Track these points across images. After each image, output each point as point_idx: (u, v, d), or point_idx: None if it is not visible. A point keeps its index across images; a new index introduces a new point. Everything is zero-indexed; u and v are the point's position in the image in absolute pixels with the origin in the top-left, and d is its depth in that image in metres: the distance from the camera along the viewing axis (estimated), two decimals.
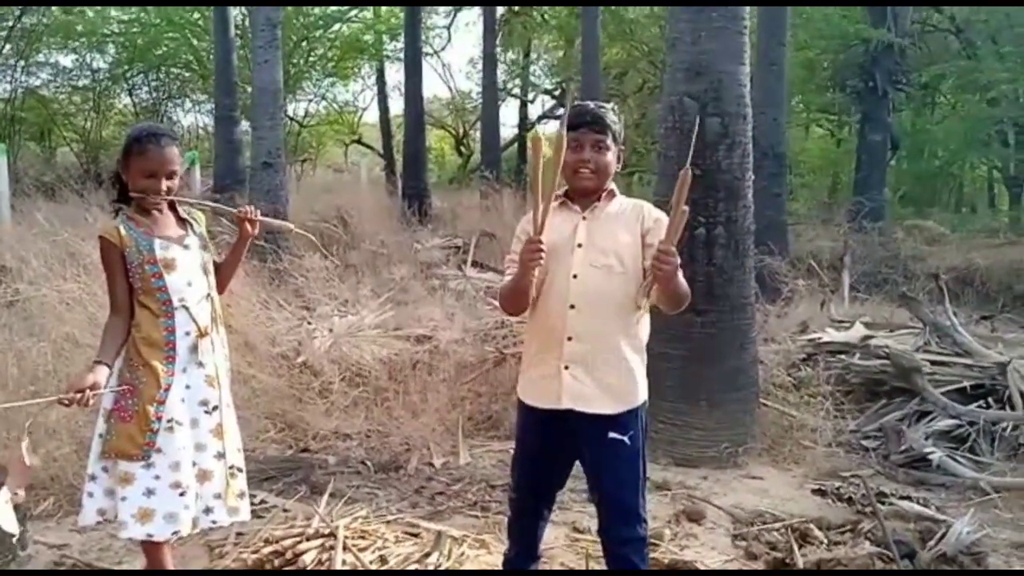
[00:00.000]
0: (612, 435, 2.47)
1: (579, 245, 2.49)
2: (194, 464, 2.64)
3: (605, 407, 2.47)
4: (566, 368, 2.47)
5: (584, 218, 2.53)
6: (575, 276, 2.47)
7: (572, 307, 2.46)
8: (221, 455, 2.71)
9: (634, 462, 2.52)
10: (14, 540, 3.00)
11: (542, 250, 2.34)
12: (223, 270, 2.89)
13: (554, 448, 2.59)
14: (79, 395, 2.42)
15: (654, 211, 2.57)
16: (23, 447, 2.43)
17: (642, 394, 2.55)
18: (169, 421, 2.58)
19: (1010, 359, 4.99)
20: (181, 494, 2.58)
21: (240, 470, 2.79)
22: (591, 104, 2.59)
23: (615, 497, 2.53)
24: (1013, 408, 4.73)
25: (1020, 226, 13.55)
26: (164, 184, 2.63)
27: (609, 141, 2.51)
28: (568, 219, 2.54)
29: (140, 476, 2.55)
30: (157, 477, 2.56)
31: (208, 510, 2.68)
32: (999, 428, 4.59)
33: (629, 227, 2.52)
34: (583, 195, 2.55)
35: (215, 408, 2.71)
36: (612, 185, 2.58)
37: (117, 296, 2.62)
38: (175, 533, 2.61)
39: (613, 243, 2.49)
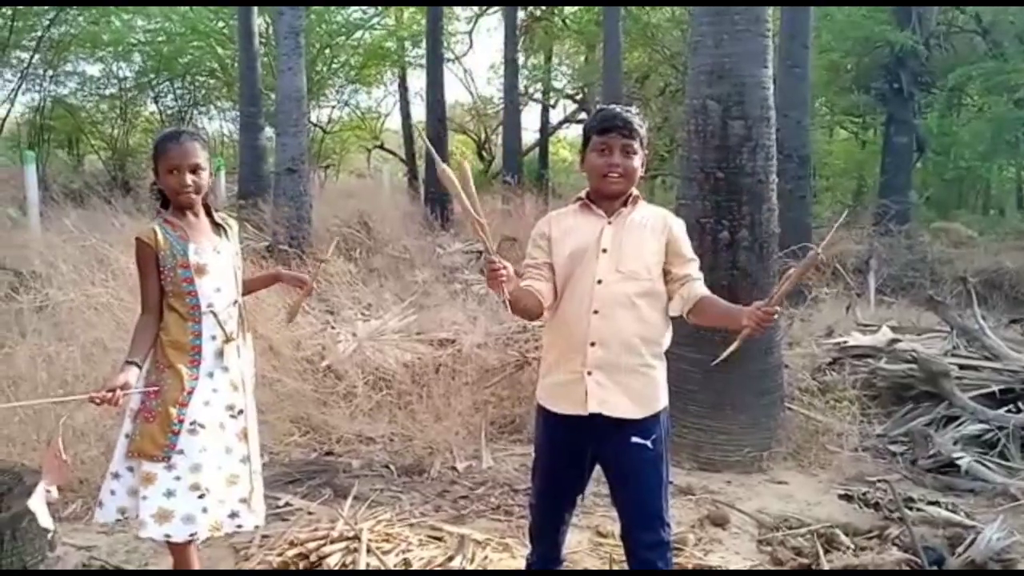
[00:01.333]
0: (635, 439, 2.47)
1: (604, 250, 2.49)
2: (219, 468, 2.67)
3: (629, 412, 2.47)
4: (590, 374, 2.47)
5: (609, 223, 2.52)
6: (599, 281, 2.47)
7: (596, 312, 2.46)
8: (247, 459, 2.75)
9: (657, 466, 2.52)
10: (49, 536, 3.05)
11: (501, 271, 2.26)
12: (250, 286, 2.95)
13: (575, 453, 2.58)
14: (110, 394, 2.46)
15: (676, 223, 2.58)
16: (59, 445, 2.47)
17: (664, 399, 2.55)
18: (192, 424, 2.62)
19: None
20: (200, 496, 2.61)
21: (258, 473, 2.83)
22: (619, 108, 2.58)
23: (638, 501, 2.53)
24: None
25: None
26: (188, 177, 2.66)
27: (636, 145, 2.51)
28: (593, 224, 2.53)
29: (161, 477, 2.60)
30: (178, 479, 2.60)
31: (234, 514, 2.70)
32: None
33: (655, 235, 2.52)
34: (610, 198, 2.54)
35: (240, 412, 2.75)
36: (636, 191, 2.58)
37: (149, 297, 2.67)
38: (192, 535, 2.64)
39: (639, 250, 2.49)
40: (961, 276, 9.14)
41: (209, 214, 2.79)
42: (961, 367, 5.10)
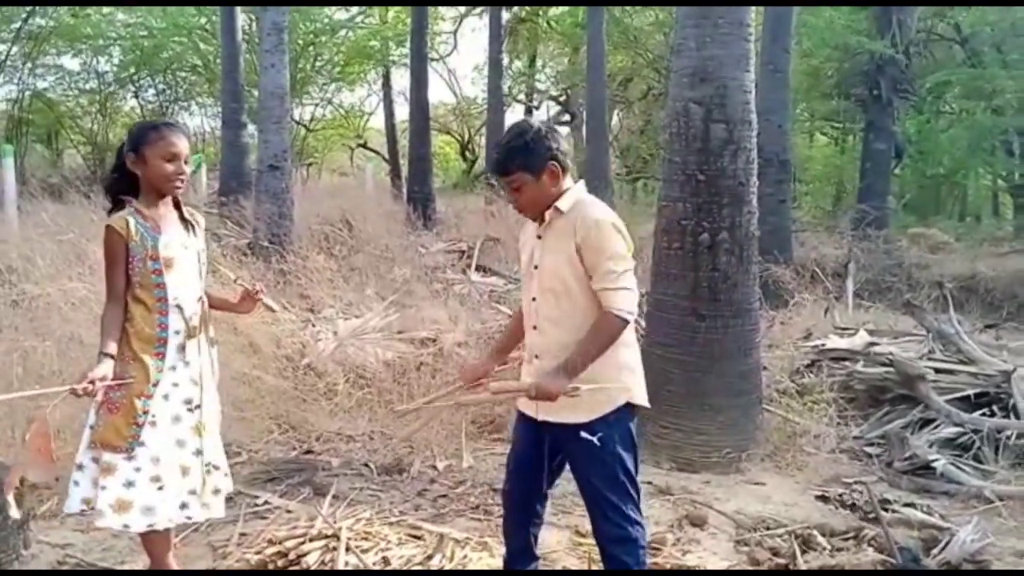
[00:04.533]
0: (583, 435, 2.54)
1: (535, 267, 2.61)
2: (171, 460, 2.69)
3: (574, 417, 2.54)
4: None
5: (539, 237, 2.61)
6: (534, 299, 2.61)
7: (535, 328, 2.60)
8: (199, 452, 2.76)
9: (609, 462, 2.55)
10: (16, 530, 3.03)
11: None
12: (211, 304, 2.91)
13: (537, 450, 2.68)
14: (89, 386, 2.47)
15: (587, 220, 2.49)
16: (47, 437, 2.48)
17: (614, 400, 2.56)
18: (153, 416, 2.64)
19: (1015, 367, 4.98)
20: (160, 488, 2.64)
21: (217, 467, 2.84)
22: (497, 150, 2.59)
23: (596, 496, 2.60)
24: (1018, 416, 4.72)
25: None
26: (183, 167, 2.69)
27: (521, 177, 2.51)
28: (531, 239, 2.65)
29: (121, 467, 2.61)
30: (138, 469, 2.62)
31: (184, 505, 2.73)
32: (1003, 436, 4.57)
33: (564, 246, 2.50)
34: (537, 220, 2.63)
35: (198, 407, 2.76)
36: (571, 196, 2.54)
37: (116, 286, 2.66)
38: (150, 525, 2.65)
39: (554, 264, 2.54)
40: (938, 281, 9.29)
41: (179, 208, 2.79)
42: (937, 371, 5.15)
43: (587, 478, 2.61)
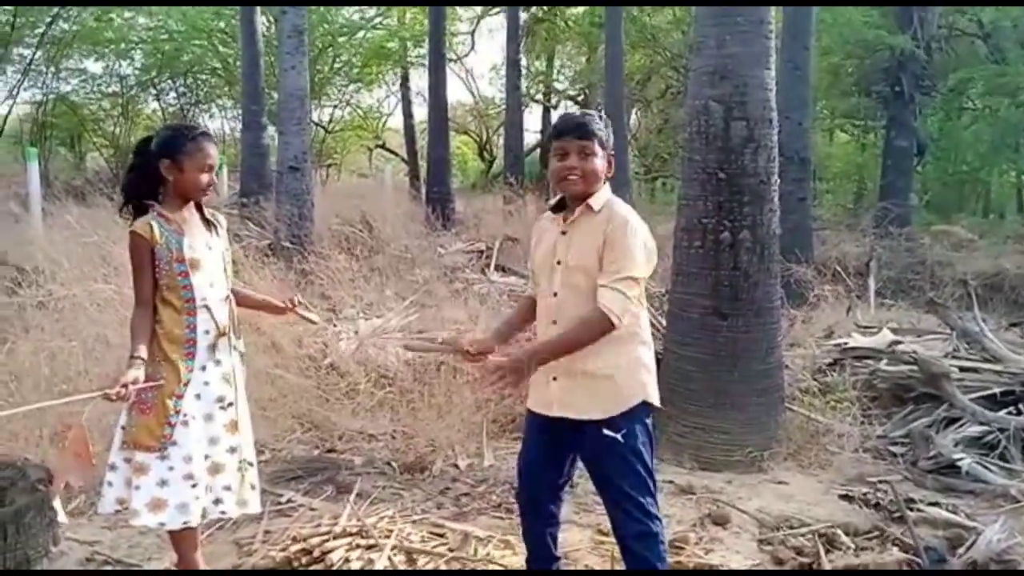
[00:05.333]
0: (606, 432, 2.54)
1: (558, 262, 2.59)
2: (206, 457, 2.74)
3: (593, 414, 2.55)
4: (554, 379, 2.58)
5: (563, 233, 2.60)
6: (555, 294, 2.59)
7: (555, 323, 2.58)
8: (234, 449, 2.81)
9: (631, 458, 2.56)
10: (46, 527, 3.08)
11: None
12: (240, 301, 2.96)
13: (550, 447, 2.69)
14: (122, 390, 2.51)
15: (617, 220, 2.52)
16: (85, 440, 2.53)
17: (635, 396, 2.57)
18: (185, 415, 2.68)
19: None
20: (193, 486, 2.68)
21: (251, 464, 2.89)
22: (576, 113, 2.69)
23: (617, 493, 2.59)
24: None
25: None
26: (214, 177, 2.78)
27: (595, 147, 2.55)
28: (553, 233, 2.64)
29: (155, 467, 2.66)
30: (171, 468, 2.66)
31: (218, 501, 2.77)
32: None
33: (596, 239, 2.52)
34: (573, 199, 2.60)
35: (230, 404, 2.81)
36: (603, 195, 2.57)
37: (144, 291, 2.71)
38: (186, 523, 2.69)
39: (582, 261, 2.54)
40: (961, 279, 9.18)
41: (200, 210, 2.84)
42: (961, 369, 5.10)
43: (608, 476, 2.60)
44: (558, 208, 2.67)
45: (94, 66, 18.63)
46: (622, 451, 2.54)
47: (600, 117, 2.63)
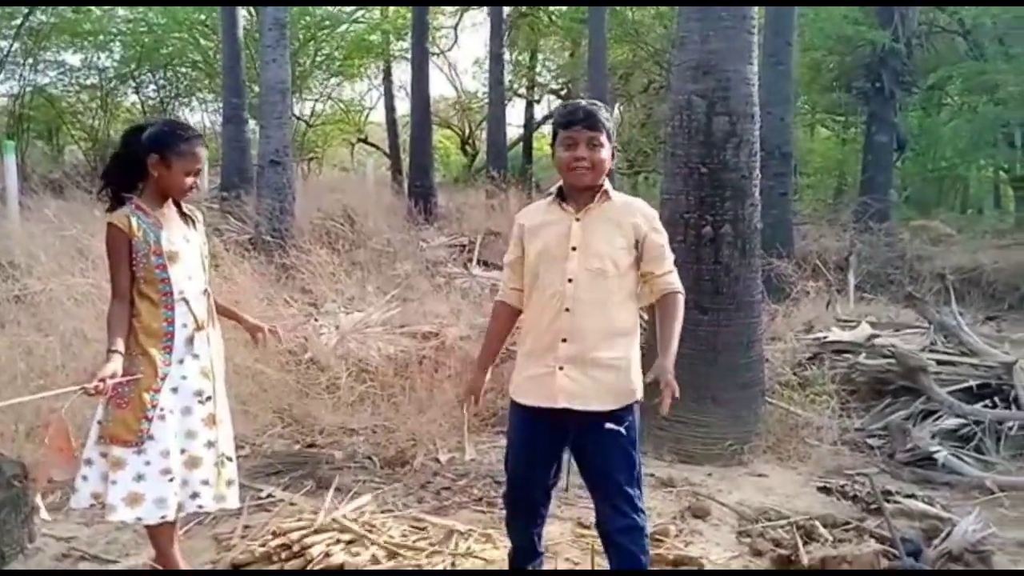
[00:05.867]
0: (608, 426, 2.52)
1: (573, 248, 2.53)
2: (183, 451, 2.72)
3: (600, 405, 2.52)
4: (561, 368, 2.52)
5: (577, 219, 2.56)
6: (570, 280, 2.52)
7: (567, 310, 2.51)
8: (212, 443, 2.79)
9: (630, 451, 2.56)
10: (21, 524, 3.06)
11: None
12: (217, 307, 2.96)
13: (546, 445, 2.65)
14: (101, 384, 2.49)
15: (644, 214, 2.58)
16: (67, 434, 2.52)
17: (637, 390, 2.58)
18: (162, 409, 2.66)
19: (1016, 359, 4.99)
20: (170, 480, 2.66)
21: (230, 459, 2.88)
22: (583, 102, 2.64)
23: (611, 486, 2.57)
24: (1019, 407, 4.73)
25: None
26: (199, 181, 2.79)
27: (603, 138, 2.54)
28: (563, 220, 2.58)
29: (131, 462, 2.64)
30: (148, 463, 2.64)
31: (195, 495, 2.76)
32: (1005, 427, 4.59)
33: (623, 228, 2.55)
34: (579, 191, 2.58)
35: (209, 398, 2.79)
36: (607, 184, 2.60)
37: (121, 283, 2.68)
38: (163, 517, 2.67)
39: (607, 246, 2.52)
40: (939, 273, 9.28)
41: (177, 204, 2.83)
42: (939, 362, 5.16)
43: (605, 469, 2.56)
44: (559, 197, 2.62)
45: (72, 58, 18.42)
46: (623, 444, 2.54)
47: (606, 108, 2.62)
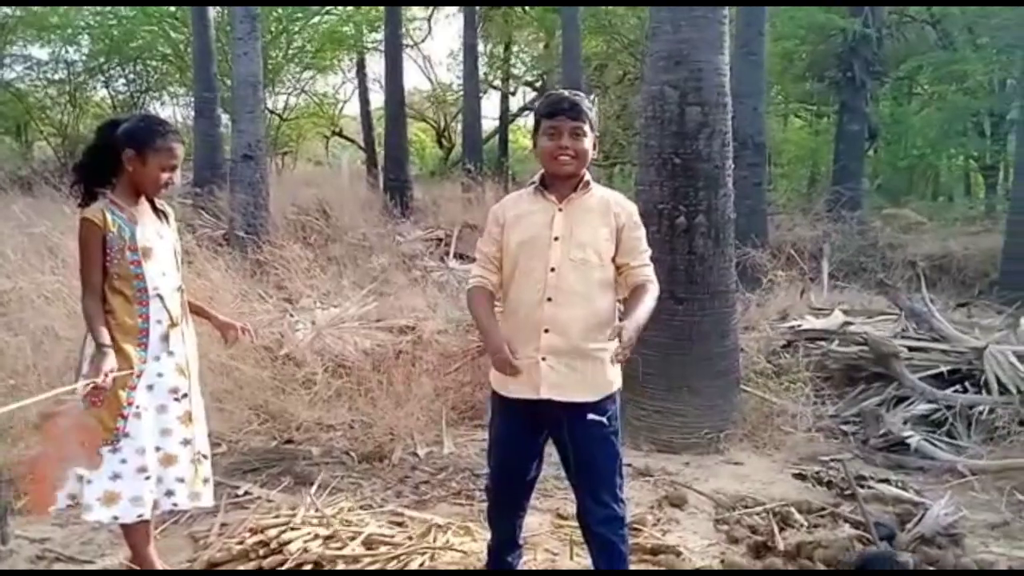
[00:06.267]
0: (591, 416, 2.52)
1: (556, 238, 2.52)
2: (158, 449, 2.70)
3: (582, 396, 2.52)
4: (543, 359, 2.50)
5: (560, 210, 2.55)
6: (552, 269, 2.50)
7: (549, 300, 2.50)
8: (188, 441, 2.78)
9: (613, 440, 2.57)
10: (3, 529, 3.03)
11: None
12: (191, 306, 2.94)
13: (529, 437, 2.64)
14: (105, 378, 2.49)
15: (625, 207, 2.59)
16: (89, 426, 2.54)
17: (617, 380, 2.59)
18: (138, 407, 2.65)
19: (986, 344, 5.06)
20: (146, 478, 2.65)
21: (206, 457, 2.86)
22: (567, 92, 2.63)
23: (594, 477, 2.57)
24: (989, 392, 4.80)
25: (996, 214, 13.69)
26: (174, 176, 2.74)
27: (586, 128, 2.53)
28: (545, 210, 2.56)
29: (107, 460, 2.62)
30: (123, 461, 2.63)
31: (170, 493, 2.74)
32: (975, 412, 4.66)
33: (605, 219, 2.55)
34: (562, 181, 2.57)
35: (184, 396, 2.77)
36: (588, 175, 2.60)
37: (93, 278, 2.65)
38: (139, 516, 2.66)
39: (591, 237, 2.52)
40: (911, 261, 9.41)
41: (150, 199, 2.80)
42: (910, 349, 5.22)
43: (588, 460, 2.57)
44: (541, 186, 2.60)
45: (40, 52, 18.18)
46: (606, 434, 2.54)
47: (588, 98, 2.61)
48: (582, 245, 2.51)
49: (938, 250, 10.43)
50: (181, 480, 2.74)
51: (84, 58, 18.40)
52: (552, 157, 2.53)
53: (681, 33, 4.54)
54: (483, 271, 2.62)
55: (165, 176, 2.70)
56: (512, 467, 2.70)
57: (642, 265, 2.56)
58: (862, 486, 3.80)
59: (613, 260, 2.56)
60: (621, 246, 2.55)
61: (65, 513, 3.47)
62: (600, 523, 2.57)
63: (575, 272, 2.50)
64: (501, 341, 2.49)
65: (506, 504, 2.78)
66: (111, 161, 2.69)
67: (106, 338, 2.58)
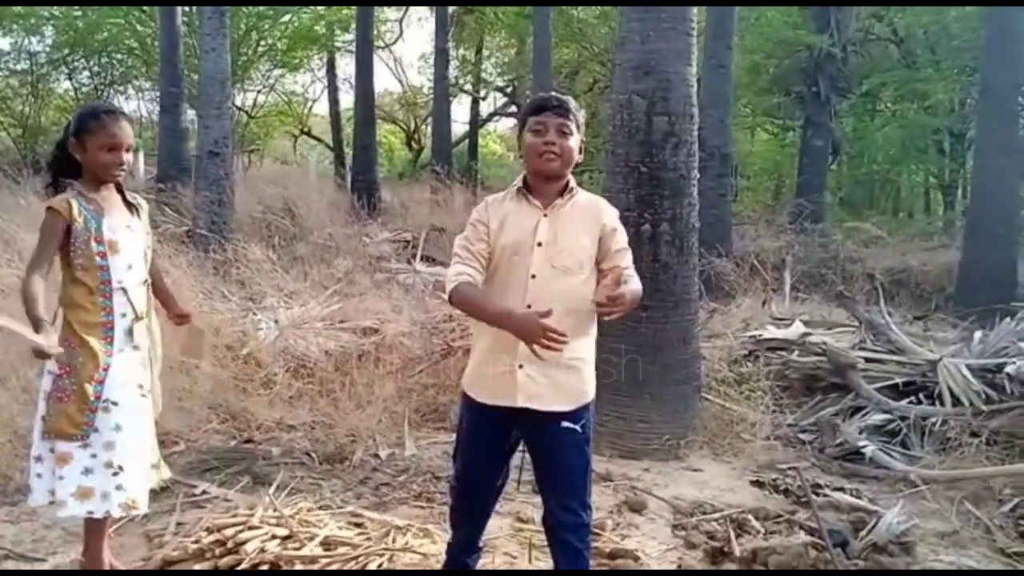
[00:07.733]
0: (565, 424, 2.50)
1: (539, 244, 2.48)
2: (140, 446, 2.71)
3: (560, 404, 2.49)
4: (520, 367, 2.46)
5: (545, 215, 2.51)
6: (533, 276, 2.46)
7: (528, 307, 2.42)
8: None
9: (584, 449, 2.56)
10: None
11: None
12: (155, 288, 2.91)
13: (499, 443, 2.62)
14: (54, 347, 2.45)
15: (610, 214, 2.57)
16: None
17: (592, 389, 2.59)
18: (105, 401, 2.62)
19: (940, 357, 5.16)
20: (114, 474, 2.62)
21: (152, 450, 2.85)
22: (554, 93, 2.64)
23: (565, 483, 2.56)
24: (943, 404, 4.89)
25: (953, 231, 13.99)
26: (124, 156, 2.68)
27: (573, 127, 2.52)
28: (529, 215, 2.52)
29: (77, 456, 2.59)
30: (94, 456, 2.61)
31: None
32: (929, 423, 4.75)
33: (588, 228, 2.52)
34: (546, 182, 2.53)
35: (149, 391, 2.77)
36: (572, 180, 2.57)
37: (43, 261, 2.60)
38: (107, 512, 2.65)
39: (573, 244, 2.49)
40: (870, 274, 9.57)
41: (121, 192, 2.77)
42: (868, 360, 5.31)
43: (560, 467, 2.54)
44: (525, 189, 2.56)
45: (1, 42, 17.78)
46: (578, 441, 2.52)
47: (575, 102, 2.61)
48: (564, 252, 2.48)
49: (897, 264, 10.63)
50: (155, 466, 2.77)
51: (47, 49, 18.08)
52: (537, 153, 2.49)
53: (650, 43, 4.59)
54: (467, 268, 2.47)
55: (109, 157, 2.64)
56: (478, 469, 2.69)
57: (629, 267, 2.53)
58: (817, 494, 3.86)
59: (598, 264, 2.52)
60: (609, 251, 2.52)
61: (16, 510, 3.43)
62: (566, 529, 2.55)
63: (556, 280, 2.46)
64: (524, 313, 2.33)
65: (472, 508, 2.76)
66: (70, 156, 2.68)
67: (42, 313, 2.49)
